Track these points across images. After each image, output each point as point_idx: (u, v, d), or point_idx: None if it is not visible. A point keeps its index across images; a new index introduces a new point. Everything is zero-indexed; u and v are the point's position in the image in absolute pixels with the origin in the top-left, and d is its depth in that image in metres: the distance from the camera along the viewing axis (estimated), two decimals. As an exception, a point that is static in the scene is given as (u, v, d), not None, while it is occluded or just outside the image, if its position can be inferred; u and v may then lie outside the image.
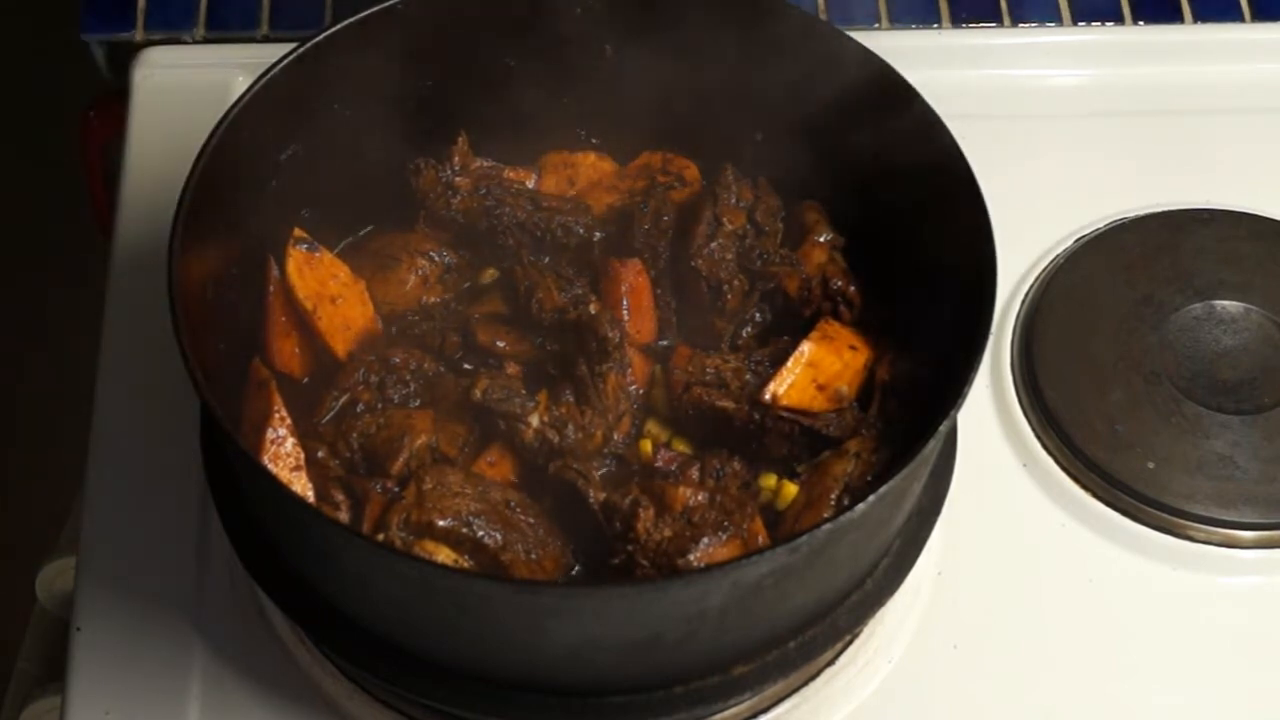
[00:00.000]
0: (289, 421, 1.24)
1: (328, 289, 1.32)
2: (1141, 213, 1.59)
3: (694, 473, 1.25)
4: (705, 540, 1.18)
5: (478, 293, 1.37)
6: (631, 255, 1.36)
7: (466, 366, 1.31)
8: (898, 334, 1.32)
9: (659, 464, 1.27)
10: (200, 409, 1.26)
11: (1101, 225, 1.59)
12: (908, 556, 1.25)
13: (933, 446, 1.14)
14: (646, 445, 1.29)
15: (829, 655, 1.32)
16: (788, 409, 1.28)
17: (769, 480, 1.28)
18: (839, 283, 1.34)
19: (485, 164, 1.42)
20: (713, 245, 1.35)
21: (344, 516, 1.22)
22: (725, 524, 1.20)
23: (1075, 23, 1.75)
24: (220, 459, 1.26)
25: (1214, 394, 1.47)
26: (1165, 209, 1.60)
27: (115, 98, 1.68)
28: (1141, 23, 1.75)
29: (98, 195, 1.78)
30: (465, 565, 1.20)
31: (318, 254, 1.33)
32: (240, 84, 1.61)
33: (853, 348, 1.32)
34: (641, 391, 1.32)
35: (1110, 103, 1.71)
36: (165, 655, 1.32)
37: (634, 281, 1.35)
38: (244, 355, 1.29)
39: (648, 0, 1.36)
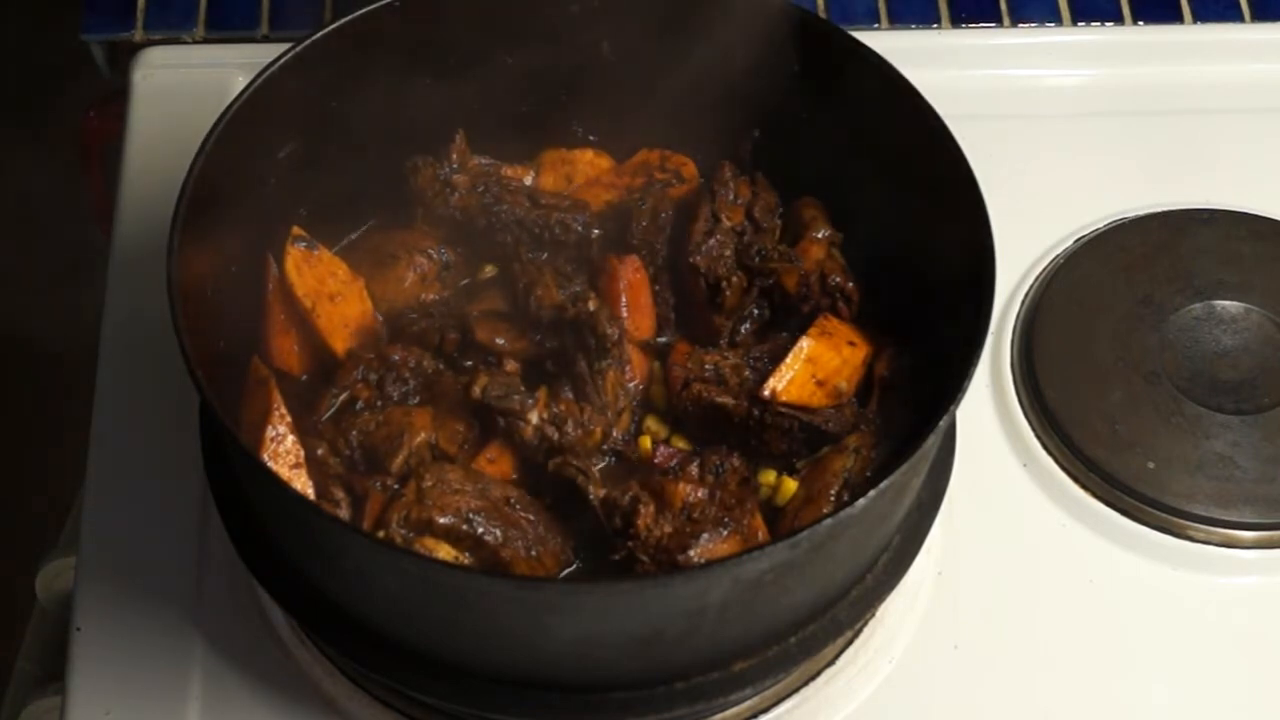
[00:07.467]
0: (289, 419, 1.24)
1: (326, 287, 1.32)
2: (1141, 213, 1.59)
3: (694, 469, 1.25)
4: (705, 536, 1.18)
5: (476, 290, 1.37)
6: (630, 252, 1.36)
7: (466, 364, 1.31)
8: (897, 330, 1.32)
9: (658, 460, 1.27)
10: (200, 408, 1.26)
11: (1101, 225, 1.59)
12: (908, 552, 1.25)
13: (932, 442, 1.14)
14: (646, 442, 1.29)
15: (829, 654, 1.32)
16: (787, 405, 1.28)
17: (768, 476, 1.28)
18: (837, 279, 1.34)
19: (483, 161, 1.42)
20: (711, 242, 1.35)
21: (344, 514, 1.21)
22: (725, 520, 1.20)
23: (1075, 23, 1.75)
24: (220, 458, 1.26)
25: (1214, 394, 1.47)
26: (1165, 209, 1.59)
27: (115, 98, 1.68)
28: (1141, 23, 1.76)
29: (98, 195, 1.78)
30: (465, 562, 1.20)
31: (316, 252, 1.33)
32: (240, 84, 1.60)
33: (851, 344, 1.32)
34: (640, 388, 1.32)
35: (1110, 103, 1.71)
36: (165, 655, 1.31)
37: (632, 278, 1.35)
38: (244, 353, 1.29)
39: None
